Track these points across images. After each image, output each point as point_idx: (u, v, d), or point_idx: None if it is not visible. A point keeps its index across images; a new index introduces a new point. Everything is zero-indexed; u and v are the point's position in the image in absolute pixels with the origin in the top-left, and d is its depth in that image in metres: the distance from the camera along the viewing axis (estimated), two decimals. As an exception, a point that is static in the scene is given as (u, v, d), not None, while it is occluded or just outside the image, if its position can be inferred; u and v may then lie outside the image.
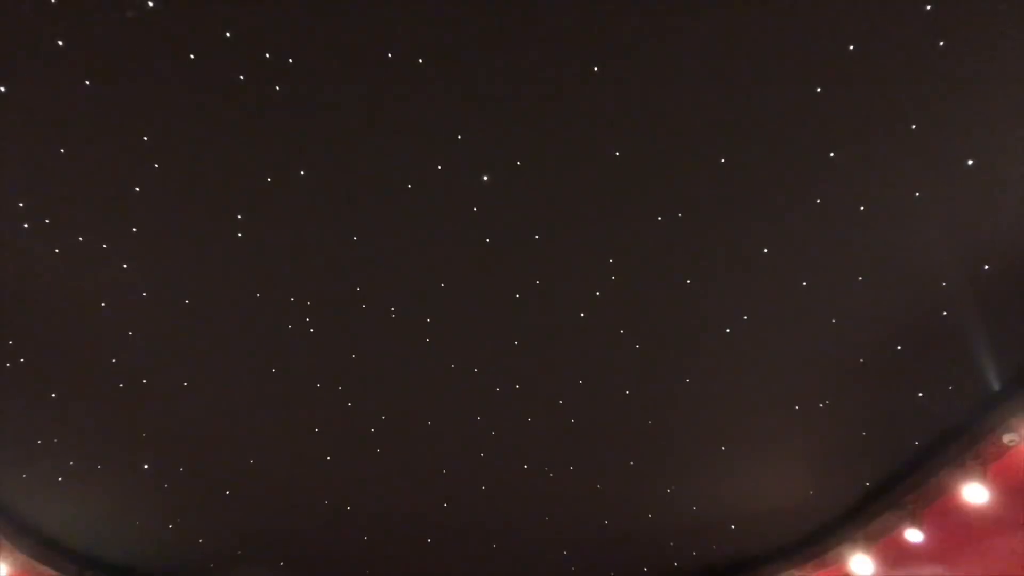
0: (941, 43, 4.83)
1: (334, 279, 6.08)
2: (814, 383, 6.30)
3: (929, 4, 4.72)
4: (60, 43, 4.91)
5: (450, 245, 5.93)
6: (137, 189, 5.51)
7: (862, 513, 6.89)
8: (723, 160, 5.41)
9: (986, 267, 5.48)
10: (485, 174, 5.64)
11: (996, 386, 5.96)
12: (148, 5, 4.87)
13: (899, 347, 5.92)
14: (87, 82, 5.07)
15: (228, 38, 5.05)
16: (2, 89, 5.01)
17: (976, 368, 5.83)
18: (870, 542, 6.82)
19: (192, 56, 5.08)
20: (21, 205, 5.45)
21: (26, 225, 5.51)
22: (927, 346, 5.86)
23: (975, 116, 5.03)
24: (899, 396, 6.15)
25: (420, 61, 5.19)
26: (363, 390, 6.64)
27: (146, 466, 6.86)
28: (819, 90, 5.07)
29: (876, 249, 5.60)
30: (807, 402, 6.40)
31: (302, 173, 5.59)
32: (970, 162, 5.18)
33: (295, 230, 5.84)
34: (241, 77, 5.19)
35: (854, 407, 6.32)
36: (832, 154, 5.30)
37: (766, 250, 5.72)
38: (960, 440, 6.20)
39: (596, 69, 5.20)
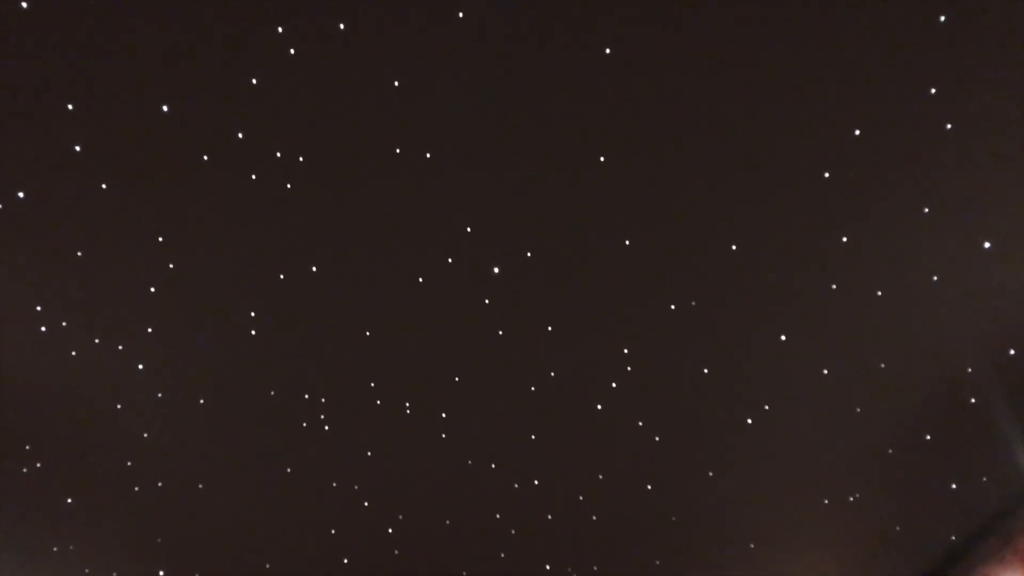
0: (948, 126, 4.82)
1: (348, 376, 6.05)
2: (843, 476, 6.10)
3: (934, 88, 4.74)
4: (77, 148, 5.04)
5: (463, 339, 5.90)
6: (152, 290, 5.57)
7: (900, 612, 6.59)
8: (734, 247, 5.38)
9: (1011, 352, 5.34)
10: (496, 266, 5.64)
11: (1031, 475, 5.75)
12: (163, 110, 5.00)
13: (928, 436, 5.74)
14: (103, 185, 5.18)
15: (240, 139, 5.15)
16: (20, 194, 5.13)
17: (1009, 457, 5.62)
18: (911, 643, 6.50)
19: (205, 157, 5.19)
20: (39, 309, 5.52)
21: (43, 329, 5.57)
22: (957, 434, 5.68)
23: (989, 198, 4.98)
24: (932, 488, 5.94)
25: (428, 155, 5.26)
26: (380, 488, 6.54)
27: (162, 572, 6.74)
28: (827, 175, 5.06)
29: (897, 334, 5.49)
30: (836, 496, 6.19)
31: (314, 269, 5.62)
32: (987, 244, 5.10)
33: (308, 327, 5.85)
34: (253, 176, 5.28)
35: (885, 500, 6.11)
36: (844, 239, 5.25)
37: (783, 337, 5.63)
38: (997, 533, 5.94)
39: (603, 159, 5.23)
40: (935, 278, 5.27)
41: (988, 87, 4.70)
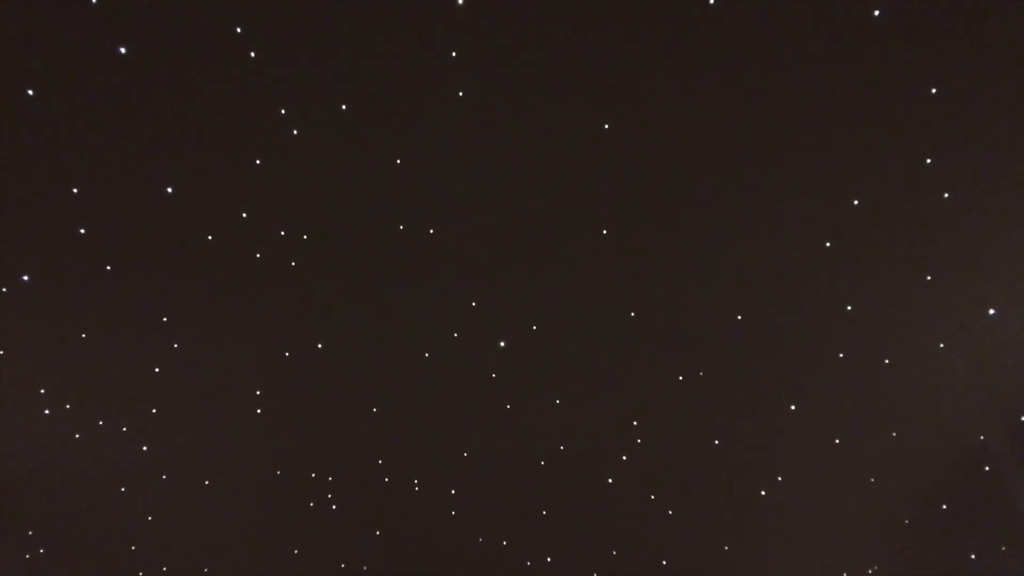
0: (946, 195, 4.86)
1: (355, 453, 6.00)
2: (859, 548, 5.96)
3: (929, 158, 4.78)
4: (82, 231, 5.10)
5: (470, 413, 5.86)
6: (157, 370, 5.57)
7: None
8: (739, 317, 5.37)
9: (1023, 418, 5.28)
10: (502, 340, 5.63)
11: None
12: (167, 191, 5.07)
13: (944, 506, 5.62)
14: (108, 267, 5.23)
15: (245, 218, 5.21)
16: (25, 278, 5.17)
17: (1028, 526, 5.50)
18: None
19: (210, 237, 5.24)
20: (43, 392, 5.52)
21: (47, 411, 5.56)
22: (973, 504, 5.57)
23: (990, 265, 5.00)
24: (950, 559, 5.78)
25: (431, 231, 5.30)
26: (390, 569, 6.42)
27: (164, 658, 6.60)
28: (828, 244, 5.09)
29: (906, 403, 5.44)
30: (854, 569, 6.04)
31: (320, 346, 5.62)
32: (991, 311, 5.09)
33: (314, 404, 5.82)
34: (258, 255, 5.33)
35: (904, 573, 5.95)
36: (849, 307, 5.24)
37: (793, 407, 5.57)
38: (1021, 606, 5.77)
39: (605, 232, 5.26)
40: (941, 345, 5.25)
41: (983, 157, 4.75)
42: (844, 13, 4.56)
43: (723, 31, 4.69)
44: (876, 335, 5.32)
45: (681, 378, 5.61)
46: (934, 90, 4.65)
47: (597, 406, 5.79)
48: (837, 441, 5.65)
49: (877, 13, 4.53)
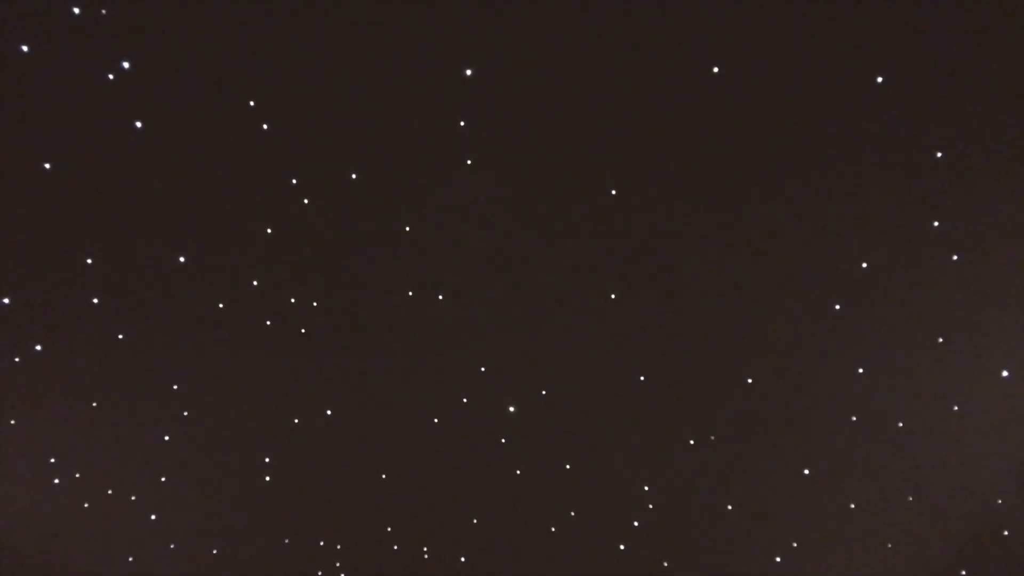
0: (954, 257, 4.87)
1: (364, 520, 5.93)
2: (878, 614, 5.84)
3: (936, 220, 4.81)
4: (95, 300, 5.14)
5: (480, 479, 5.81)
6: (166, 438, 5.56)
7: None
8: (750, 380, 5.35)
9: (1042, 481, 5.21)
10: (511, 405, 5.61)
11: (1078, 611, 5.47)
12: (180, 260, 5.12)
13: (963, 572, 5.51)
14: (120, 336, 5.25)
15: (255, 286, 5.25)
16: (38, 348, 5.20)
17: (1051, 592, 5.38)
18: None
19: (220, 305, 5.27)
20: (52, 460, 5.50)
21: (56, 481, 5.54)
22: (993, 569, 5.46)
23: (1001, 328, 4.98)
24: (972, 626, 5.67)
25: (440, 297, 5.32)
26: (399, 637, 6.31)
27: None
28: (838, 307, 5.09)
29: (922, 466, 5.37)
30: (874, 637, 5.92)
31: (328, 413, 5.61)
32: (1005, 373, 5.06)
33: (323, 472, 5.78)
34: (268, 322, 5.35)
35: (925, 641, 5.82)
36: (860, 370, 5.22)
37: (807, 471, 5.50)
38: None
39: (614, 296, 5.27)
40: (955, 407, 5.20)
41: (989, 219, 4.78)
42: (848, 80, 4.63)
43: (728, 98, 4.76)
44: (889, 398, 5.27)
45: (692, 442, 5.56)
46: (939, 154, 4.70)
47: (608, 471, 5.73)
48: (852, 506, 5.56)
49: (880, 79, 4.59)
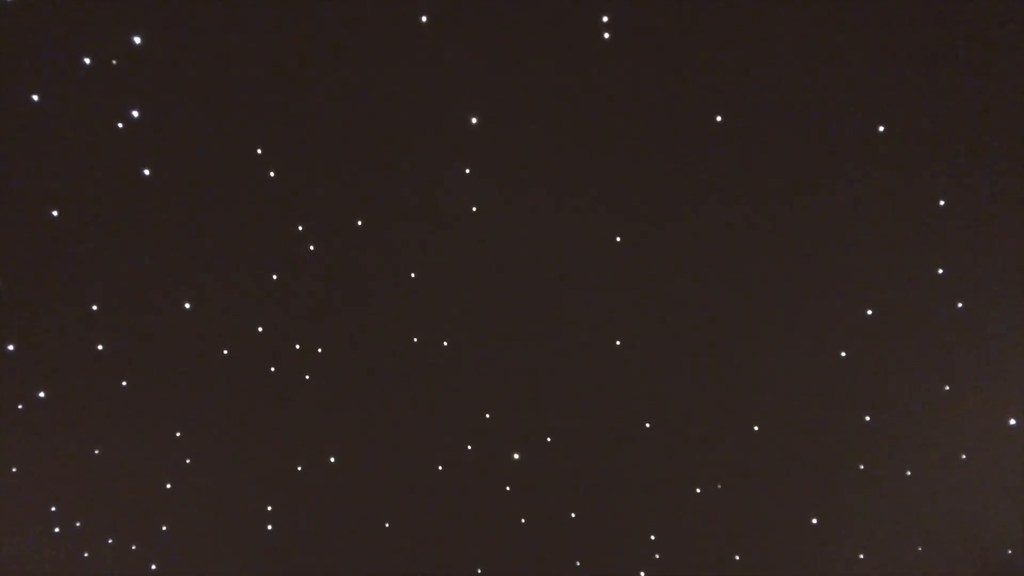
0: (959, 304, 4.88)
1: (367, 569, 5.87)
2: (889, 667, 5.75)
3: (941, 268, 4.83)
4: (100, 347, 5.15)
5: (484, 527, 5.76)
6: (168, 486, 5.52)
7: None
8: (756, 428, 5.33)
9: (1052, 531, 5.17)
10: (516, 452, 5.58)
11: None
12: (184, 307, 5.13)
13: (974, 622, 5.46)
14: (123, 382, 5.25)
15: (260, 332, 5.25)
16: (41, 395, 5.19)
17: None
18: None
19: (225, 351, 5.27)
20: (54, 509, 5.47)
21: (57, 530, 5.50)
22: (1004, 620, 5.40)
23: (1008, 375, 4.98)
24: None
25: (445, 344, 5.32)
26: None
27: None
28: (843, 354, 5.09)
29: (932, 515, 5.33)
30: None
31: (332, 460, 5.58)
32: (1012, 422, 5.04)
33: (326, 519, 5.74)
34: (272, 369, 5.35)
35: None
36: (868, 418, 5.21)
37: (815, 521, 5.46)
38: None
39: (619, 343, 5.27)
40: (963, 456, 5.18)
41: (993, 266, 4.80)
42: (850, 129, 4.68)
43: (731, 147, 4.80)
44: (896, 446, 5.25)
45: (699, 491, 5.53)
46: (942, 203, 4.73)
47: (613, 520, 5.69)
48: (861, 556, 5.51)
49: (882, 129, 4.63)
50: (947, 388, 5.08)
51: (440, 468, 5.64)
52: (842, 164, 4.75)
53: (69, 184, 4.83)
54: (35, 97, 4.62)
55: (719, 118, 4.71)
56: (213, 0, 4.52)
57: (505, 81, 4.75)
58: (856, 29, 4.53)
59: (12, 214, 4.86)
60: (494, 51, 4.69)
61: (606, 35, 4.60)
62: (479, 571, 5.84)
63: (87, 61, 4.58)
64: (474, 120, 4.80)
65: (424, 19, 4.59)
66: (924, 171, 4.72)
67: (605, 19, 4.57)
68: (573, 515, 5.68)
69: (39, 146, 4.76)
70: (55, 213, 4.85)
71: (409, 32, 4.63)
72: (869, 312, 4.99)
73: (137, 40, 4.57)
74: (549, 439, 5.53)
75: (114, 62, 4.61)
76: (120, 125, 4.72)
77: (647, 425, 5.43)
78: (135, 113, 4.71)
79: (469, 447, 5.58)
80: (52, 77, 4.62)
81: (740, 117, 4.71)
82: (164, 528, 5.63)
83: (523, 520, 5.72)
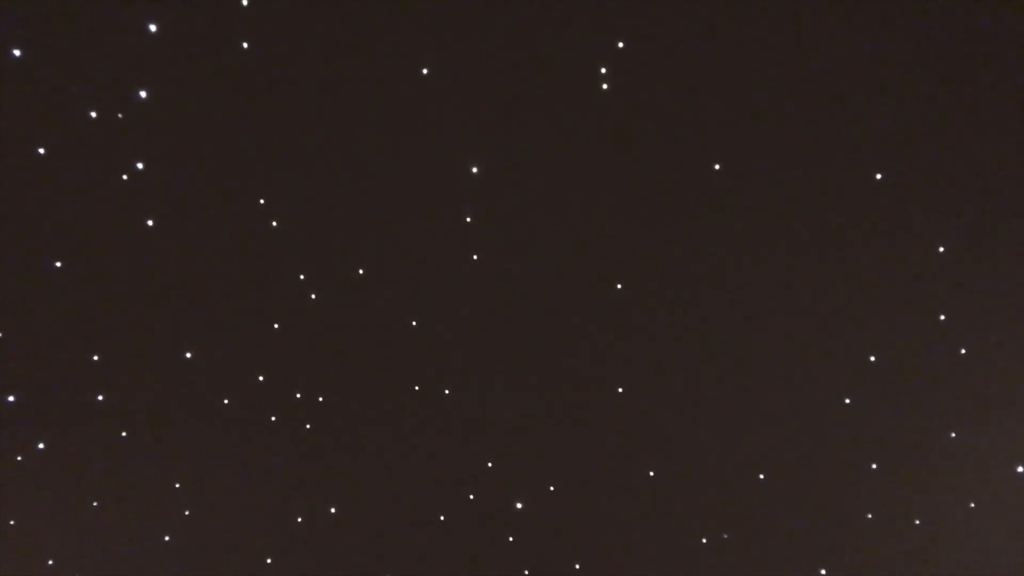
0: (962, 351, 4.87)
1: (368, 621, 5.81)
2: None
3: (943, 314, 4.82)
4: (100, 397, 5.14)
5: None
6: (167, 538, 5.47)
7: None
8: (761, 476, 5.29)
9: (1063, 580, 5.09)
10: (519, 501, 5.53)
11: None
12: (185, 356, 5.13)
13: (987, 674, 5.35)
14: (123, 433, 5.23)
15: (261, 382, 5.25)
16: (41, 446, 5.17)
17: None
18: None
19: (226, 401, 5.26)
20: (51, 563, 5.41)
21: (54, 581, 5.45)
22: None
23: (1015, 421, 4.94)
24: None
25: (447, 392, 5.31)
26: None
27: None
28: (847, 401, 5.07)
29: (941, 565, 5.25)
30: None
31: (333, 511, 5.53)
32: (1020, 469, 5.00)
33: (326, 570, 5.67)
34: (273, 418, 5.33)
35: None
36: (874, 465, 5.16)
37: (823, 572, 5.38)
38: None
39: (621, 391, 5.25)
40: (972, 504, 5.12)
41: (995, 311, 4.80)
42: (849, 177, 4.71)
43: (730, 195, 4.83)
44: (903, 494, 5.19)
45: (705, 540, 5.46)
46: (941, 248, 4.74)
47: (618, 570, 5.61)
48: (872, 607, 5.44)
49: (879, 176, 4.66)
50: (953, 435, 5.04)
51: (442, 518, 5.58)
52: (840, 212, 4.78)
53: (72, 235, 4.87)
54: (41, 150, 4.67)
55: (717, 167, 4.74)
56: (217, 55, 4.60)
57: (505, 131, 4.80)
58: (852, 77, 4.58)
59: (15, 264, 4.90)
60: (494, 102, 4.75)
61: (604, 86, 4.65)
62: (482, 624, 5.77)
63: (93, 115, 4.64)
64: (475, 170, 4.84)
65: (425, 71, 4.65)
66: (923, 217, 4.74)
67: (603, 70, 4.62)
68: (577, 566, 5.60)
69: (43, 197, 4.80)
70: (58, 264, 4.88)
71: (410, 84, 4.69)
72: (872, 358, 4.98)
73: (143, 94, 4.64)
74: (552, 488, 5.48)
75: (120, 115, 4.67)
76: (124, 177, 4.77)
77: (651, 474, 5.38)
78: (140, 165, 4.76)
79: (471, 496, 5.53)
80: (58, 130, 4.69)
81: (739, 166, 4.74)
82: (163, 581, 5.58)
83: (526, 572, 5.65)
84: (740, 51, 4.57)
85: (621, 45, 4.57)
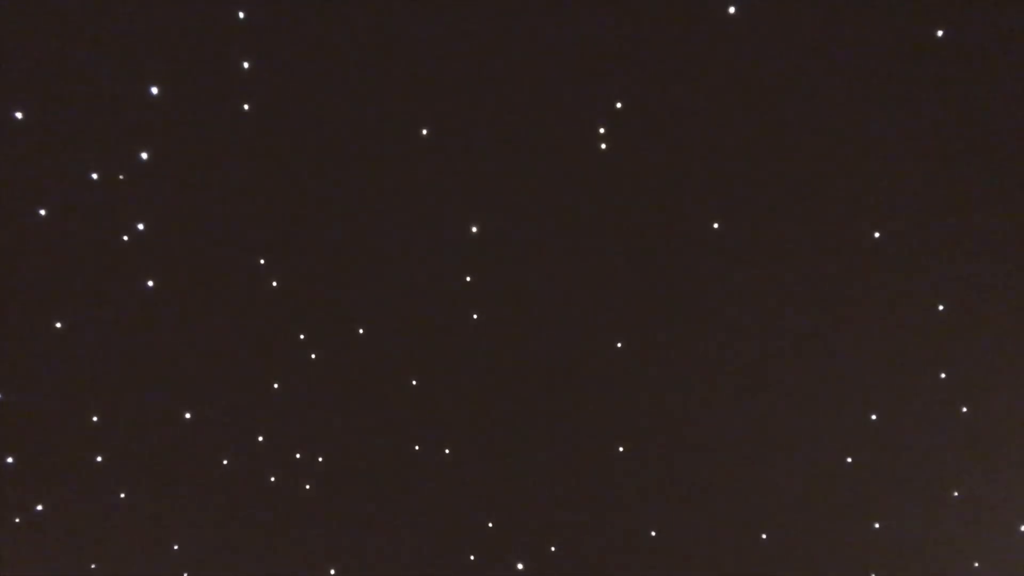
0: (964, 409, 4.86)
1: None
2: None
3: (943, 372, 4.81)
4: (99, 459, 5.12)
5: (489, 638, 5.64)
6: (164, 600, 5.43)
7: None
8: (764, 537, 5.25)
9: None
10: (519, 562, 5.48)
11: None
12: (185, 417, 5.11)
13: None
14: (122, 495, 5.21)
15: (260, 442, 5.23)
16: (39, 507, 5.14)
17: None
18: None
19: (225, 462, 5.24)
20: (47, 628, 5.38)
21: (49, 644, 5.39)
22: None
23: (1017, 480, 4.91)
24: None
25: (447, 451, 5.28)
26: None
27: None
28: (849, 460, 5.04)
29: (946, 624, 5.21)
30: None
31: (332, 573, 5.49)
32: (1023, 528, 4.96)
33: (326, 631, 5.63)
34: (272, 479, 5.30)
35: None
36: (877, 526, 5.13)
37: (828, 629, 5.34)
38: None
39: (621, 448, 5.23)
40: (976, 564, 5.09)
41: (994, 370, 4.79)
42: (846, 236, 4.71)
43: (728, 254, 4.83)
44: (907, 554, 5.16)
45: (708, 600, 5.42)
46: (941, 307, 4.74)
47: (621, 630, 5.57)
48: (878, 666, 5.37)
49: (877, 235, 4.68)
50: (956, 494, 5.01)
51: (443, 578, 5.55)
52: (838, 271, 4.78)
53: (72, 296, 4.87)
54: (42, 211, 4.69)
55: (715, 226, 4.76)
56: (218, 118, 4.63)
57: (505, 191, 4.82)
58: (848, 138, 4.61)
59: (15, 325, 4.90)
60: (494, 162, 4.77)
61: (603, 146, 4.68)
62: None
63: (95, 176, 4.67)
64: (474, 229, 4.86)
65: (424, 132, 4.69)
66: (921, 276, 4.75)
67: (602, 130, 4.66)
68: (580, 628, 5.55)
69: (44, 259, 4.81)
70: (58, 325, 4.88)
71: (409, 145, 4.72)
72: (873, 417, 4.96)
73: (144, 156, 4.66)
74: (553, 548, 5.44)
75: (121, 177, 4.69)
76: (125, 238, 4.79)
77: (652, 534, 5.35)
78: (140, 226, 4.78)
79: (472, 557, 5.49)
80: (61, 191, 4.71)
81: (736, 226, 4.76)
82: (159, 645, 5.52)
83: (529, 635, 5.60)
84: (737, 112, 4.60)
85: (619, 105, 4.61)
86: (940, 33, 4.20)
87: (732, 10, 4.21)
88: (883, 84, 4.47)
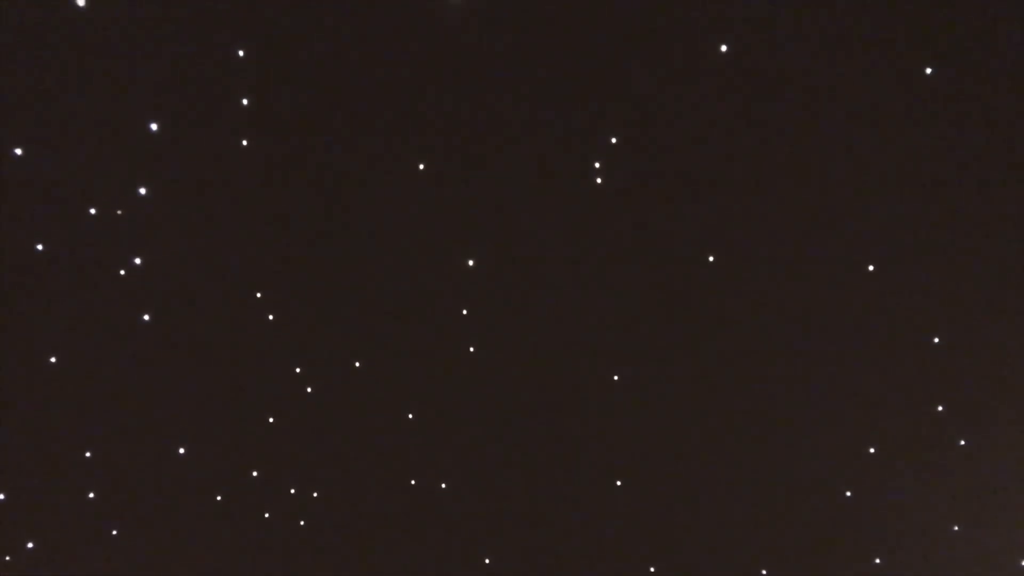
0: (962, 442, 4.85)
1: None
2: None
3: (941, 405, 4.82)
4: (92, 495, 5.08)
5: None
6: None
7: None
8: (764, 572, 5.21)
9: None
10: (520, 594, 5.46)
11: None
12: (179, 452, 5.08)
13: None
14: (114, 532, 5.16)
15: (255, 476, 5.19)
16: (30, 545, 5.09)
17: None
18: None
19: (219, 497, 5.20)
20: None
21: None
22: None
23: (1017, 514, 4.89)
24: None
25: (443, 486, 5.26)
26: None
27: None
28: (848, 494, 5.02)
29: (949, 661, 5.15)
30: None
31: (327, 608, 5.44)
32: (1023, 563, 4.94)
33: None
34: (267, 514, 5.26)
35: None
36: (878, 560, 5.10)
37: (830, 667, 5.28)
38: None
39: (619, 483, 5.20)
40: (978, 598, 5.05)
41: (992, 402, 4.79)
42: (841, 269, 4.74)
43: (726, 284, 4.84)
44: (907, 588, 5.13)
45: (707, 637, 5.36)
46: (936, 339, 4.75)
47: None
48: None
49: (872, 268, 4.69)
50: (956, 528, 4.99)
51: (440, 614, 5.48)
52: (834, 304, 4.79)
53: (68, 330, 4.86)
54: (39, 246, 4.69)
55: (711, 258, 4.78)
56: (217, 153, 4.66)
57: (501, 225, 4.84)
58: (844, 168, 4.64)
59: (9, 360, 4.88)
60: (491, 196, 4.80)
61: (599, 180, 4.71)
62: None
63: (93, 211, 4.68)
64: (471, 263, 4.87)
65: (421, 167, 4.72)
66: (917, 308, 4.76)
67: (597, 165, 4.69)
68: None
69: (40, 293, 4.81)
70: (52, 360, 4.86)
71: (406, 178, 4.75)
72: (872, 451, 4.96)
73: (143, 191, 4.68)
74: (552, 582, 5.40)
75: (119, 212, 4.71)
76: (122, 272, 4.79)
77: (652, 569, 5.30)
78: (137, 260, 4.78)
79: (470, 590, 5.45)
80: (58, 226, 4.72)
81: (733, 257, 4.78)
82: None
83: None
84: (731, 146, 4.64)
85: (614, 140, 4.64)
86: (928, 71, 4.25)
87: (724, 48, 4.26)
88: (873, 119, 4.53)
